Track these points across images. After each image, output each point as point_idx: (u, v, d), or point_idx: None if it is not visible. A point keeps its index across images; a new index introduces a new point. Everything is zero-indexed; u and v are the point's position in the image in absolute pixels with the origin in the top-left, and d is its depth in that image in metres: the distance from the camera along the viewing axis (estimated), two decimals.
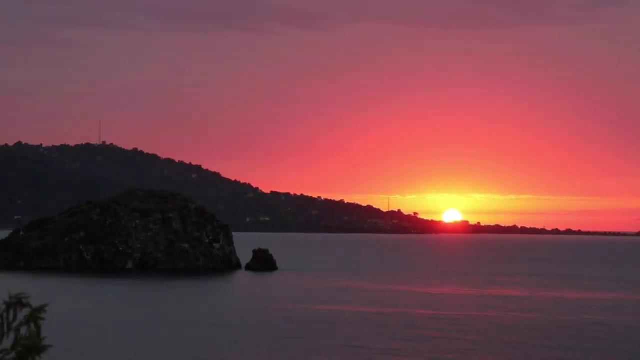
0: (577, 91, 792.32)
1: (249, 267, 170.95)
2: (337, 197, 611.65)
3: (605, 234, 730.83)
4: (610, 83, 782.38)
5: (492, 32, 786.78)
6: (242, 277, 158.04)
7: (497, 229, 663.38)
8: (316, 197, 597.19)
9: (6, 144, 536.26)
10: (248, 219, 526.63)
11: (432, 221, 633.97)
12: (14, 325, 5.63)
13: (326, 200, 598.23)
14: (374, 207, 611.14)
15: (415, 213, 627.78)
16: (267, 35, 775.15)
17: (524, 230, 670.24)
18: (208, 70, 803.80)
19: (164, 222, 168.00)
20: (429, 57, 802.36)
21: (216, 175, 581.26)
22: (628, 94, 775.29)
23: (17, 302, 5.70)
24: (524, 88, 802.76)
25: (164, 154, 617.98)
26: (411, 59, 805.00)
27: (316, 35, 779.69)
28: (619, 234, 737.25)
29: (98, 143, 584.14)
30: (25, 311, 5.75)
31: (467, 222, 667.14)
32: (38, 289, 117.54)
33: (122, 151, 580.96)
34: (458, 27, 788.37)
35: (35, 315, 5.49)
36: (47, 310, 5.68)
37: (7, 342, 5.92)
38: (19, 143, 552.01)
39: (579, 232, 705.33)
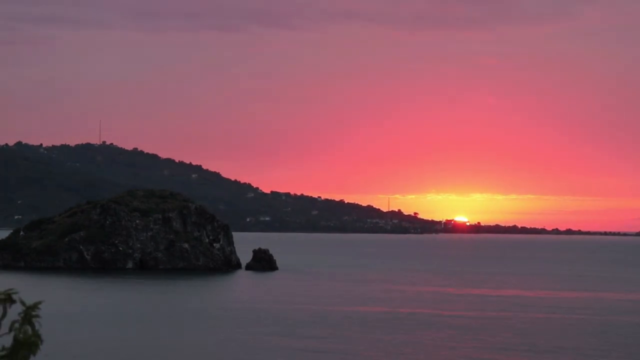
0: (576, 91, 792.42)
1: (249, 267, 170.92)
2: (337, 197, 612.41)
3: (605, 233, 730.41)
4: (609, 82, 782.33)
5: (465, 32, 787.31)
6: (242, 277, 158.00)
7: (497, 229, 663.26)
8: (316, 197, 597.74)
9: (6, 144, 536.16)
10: (248, 219, 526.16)
11: (432, 221, 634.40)
12: (4, 322, 5.62)
13: (326, 200, 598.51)
14: (374, 207, 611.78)
15: (415, 213, 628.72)
16: (243, 35, 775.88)
17: (524, 230, 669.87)
18: (202, 70, 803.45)
19: (164, 222, 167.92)
20: (421, 57, 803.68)
21: (216, 175, 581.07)
22: (627, 93, 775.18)
23: (6, 299, 5.68)
24: (522, 88, 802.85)
25: (164, 154, 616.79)
26: (401, 59, 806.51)
27: (295, 35, 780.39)
28: (619, 234, 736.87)
29: (98, 143, 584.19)
30: (15, 307, 5.71)
31: (467, 221, 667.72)
32: (38, 288, 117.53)
33: (122, 151, 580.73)
34: (437, 28, 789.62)
35: (29, 314, 5.46)
36: (41, 308, 5.64)
37: (2, 340, 5.88)
38: (19, 143, 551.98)
39: (579, 232, 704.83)
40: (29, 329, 5.58)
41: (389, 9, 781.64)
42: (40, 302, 5.69)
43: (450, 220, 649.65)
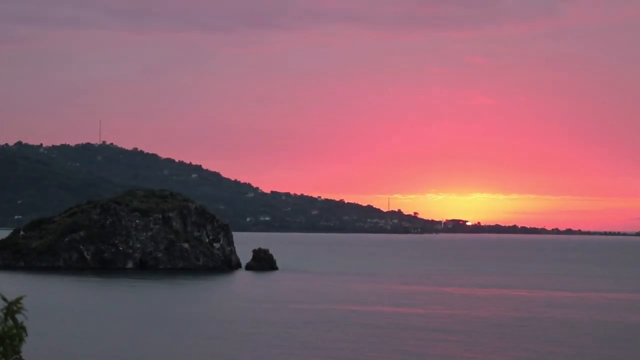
0: (575, 90, 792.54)
1: (249, 267, 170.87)
2: (337, 197, 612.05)
3: (605, 233, 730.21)
4: (608, 82, 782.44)
5: (452, 32, 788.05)
6: (242, 277, 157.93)
7: (497, 229, 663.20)
8: (316, 197, 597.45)
9: (6, 144, 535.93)
10: (248, 219, 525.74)
11: (432, 221, 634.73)
12: None
13: (326, 200, 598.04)
14: (374, 207, 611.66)
15: (415, 213, 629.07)
16: (231, 36, 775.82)
17: (523, 230, 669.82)
18: (203, 70, 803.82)
19: (164, 222, 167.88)
20: (416, 56, 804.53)
21: (216, 175, 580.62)
22: (626, 92, 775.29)
23: None
24: (518, 87, 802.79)
25: (164, 154, 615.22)
26: (397, 58, 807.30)
27: (293, 36, 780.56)
28: (619, 233, 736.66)
29: (98, 143, 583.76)
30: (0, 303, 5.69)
31: (467, 221, 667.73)
32: (38, 288, 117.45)
33: (122, 151, 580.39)
34: (425, 28, 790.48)
35: (12, 309, 5.44)
36: (23, 303, 5.60)
37: None
38: (19, 143, 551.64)
39: (579, 232, 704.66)
40: (11, 322, 5.55)
41: (386, 9, 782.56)
42: (22, 297, 5.67)
43: (451, 220, 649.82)
